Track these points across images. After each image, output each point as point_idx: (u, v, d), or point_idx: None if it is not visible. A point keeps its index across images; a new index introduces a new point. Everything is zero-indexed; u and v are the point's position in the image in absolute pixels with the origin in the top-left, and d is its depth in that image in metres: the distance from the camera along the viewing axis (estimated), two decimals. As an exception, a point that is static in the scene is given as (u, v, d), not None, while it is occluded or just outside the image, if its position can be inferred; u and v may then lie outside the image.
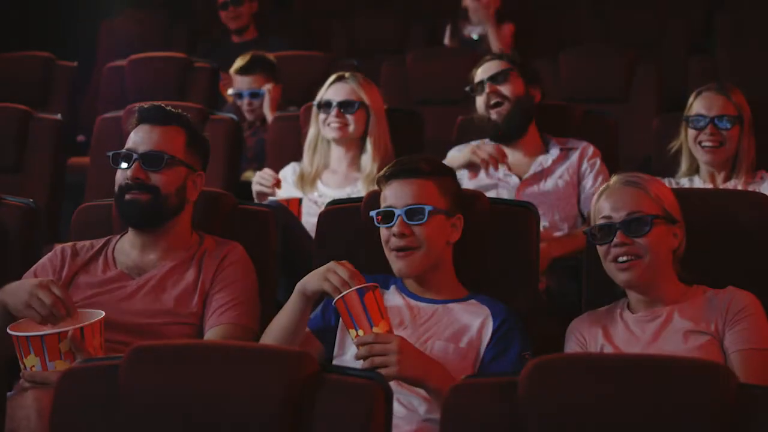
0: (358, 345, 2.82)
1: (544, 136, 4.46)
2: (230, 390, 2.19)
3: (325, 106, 4.49)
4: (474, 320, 3.08)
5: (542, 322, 3.40)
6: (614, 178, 3.12)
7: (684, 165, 4.23)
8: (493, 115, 4.37)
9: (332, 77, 4.57)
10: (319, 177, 4.53)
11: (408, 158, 3.25)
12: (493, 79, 4.39)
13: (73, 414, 2.27)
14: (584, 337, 3.08)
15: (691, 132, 4.18)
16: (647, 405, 2.02)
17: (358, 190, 4.39)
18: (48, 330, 2.85)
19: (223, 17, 7.07)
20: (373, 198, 3.31)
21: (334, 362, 3.10)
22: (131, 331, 3.15)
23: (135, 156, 3.25)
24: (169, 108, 3.36)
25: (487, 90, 4.37)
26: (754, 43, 6.69)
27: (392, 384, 2.86)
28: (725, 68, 6.01)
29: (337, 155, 4.54)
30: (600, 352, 2.93)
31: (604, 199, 3.08)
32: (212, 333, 3.17)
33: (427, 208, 3.09)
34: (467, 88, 4.46)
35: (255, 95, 5.69)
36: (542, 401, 2.08)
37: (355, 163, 4.51)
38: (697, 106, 4.19)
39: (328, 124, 4.49)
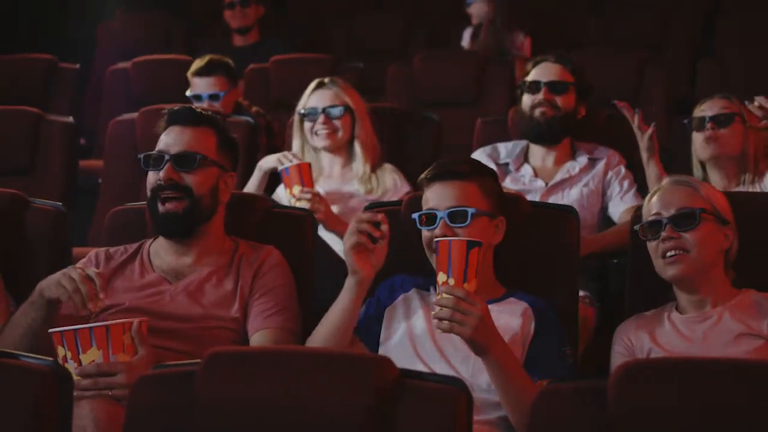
0: (445, 293, 2.78)
1: (573, 143, 4.46)
2: (311, 398, 2.15)
3: (310, 114, 4.43)
4: (513, 318, 3.06)
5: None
6: (665, 180, 3.16)
7: (695, 173, 4.23)
8: (536, 114, 4.36)
9: (312, 84, 4.50)
10: (316, 182, 4.41)
11: (449, 160, 3.23)
12: (552, 86, 4.39)
13: (148, 421, 2.22)
14: (631, 342, 3.08)
15: (694, 135, 4.21)
16: (746, 409, 2.00)
17: (356, 189, 4.38)
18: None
19: (227, 16, 6.99)
20: (414, 200, 3.29)
21: (381, 348, 3.08)
22: (173, 336, 3.12)
23: (167, 157, 3.21)
24: (198, 110, 3.34)
25: (542, 96, 4.37)
26: (757, 43, 6.70)
27: (445, 368, 2.89)
28: (736, 70, 6.01)
29: (328, 161, 4.50)
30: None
31: (654, 199, 3.12)
32: (258, 338, 3.15)
33: (470, 210, 3.06)
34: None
35: (215, 97, 5.36)
36: (633, 407, 2.05)
37: (347, 165, 4.48)
38: (698, 110, 4.25)
39: (316, 133, 4.43)
